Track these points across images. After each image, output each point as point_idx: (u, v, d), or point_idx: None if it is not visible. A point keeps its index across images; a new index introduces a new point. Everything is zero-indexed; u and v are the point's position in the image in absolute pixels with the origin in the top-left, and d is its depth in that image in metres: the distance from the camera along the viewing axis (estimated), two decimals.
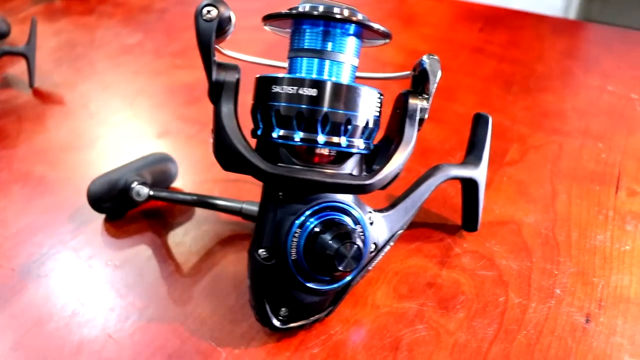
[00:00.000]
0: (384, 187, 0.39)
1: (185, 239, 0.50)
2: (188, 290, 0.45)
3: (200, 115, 0.69)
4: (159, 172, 0.54)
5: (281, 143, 0.36)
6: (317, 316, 0.41)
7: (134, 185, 0.49)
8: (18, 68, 0.78)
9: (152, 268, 0.47)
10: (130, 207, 0.53)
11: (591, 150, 0.62)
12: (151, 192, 0.49)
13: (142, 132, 0.66)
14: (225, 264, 0.48)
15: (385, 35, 0.38)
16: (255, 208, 0.48)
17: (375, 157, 0.42)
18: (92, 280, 0.46)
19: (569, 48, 0.86)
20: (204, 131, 0.65)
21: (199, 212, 0.53)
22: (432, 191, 0.46)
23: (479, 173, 0.48)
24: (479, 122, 0.49)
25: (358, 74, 0.41)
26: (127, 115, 0.70)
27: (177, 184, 0.57)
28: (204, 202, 0.50)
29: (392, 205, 0.44)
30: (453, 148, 0.62)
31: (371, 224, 0.41)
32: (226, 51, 0.40)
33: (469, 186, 0.49)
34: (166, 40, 0.88)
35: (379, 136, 0.41)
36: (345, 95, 0.36)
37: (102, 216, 0.53)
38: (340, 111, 0.35)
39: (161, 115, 0.70)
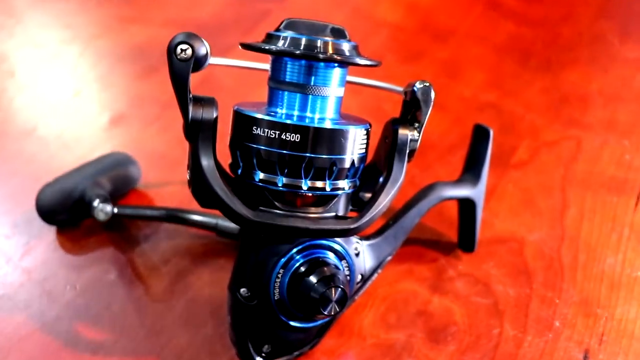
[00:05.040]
0: None
1: (153, 256, 0.63)
2: (161, 319, 0.57)
3: (159, 91, 0.80)
4: (118, 177, 0.66)
5: (263, 187, 0.48)
6: (300, 350, 0.54)
7: (96, 203, 0.60)
8: None
9: (118, 292, 0.59)
10: (86, 215, 0.63)
11: (613, 149, 0.75)
12: (115, 210, 0.61)
13: (89, 116, 0.77)
14: (200, 286, 0.60)
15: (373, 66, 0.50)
16: (231, 224, 0.61)
17: (362, 183, 0.54)
18: (51, 309, 0.58)
19: (606, 2, 0.97)
20: (165, 115, 0.77)
21: (167, 223, 0.65)
22: (425, 214, 0.58)
23: (477, 192, 0.60)
24: (479, 135, 0.61)
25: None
26: (67, 91, 0.80)
27: (138, 185, 0.69)
28: (174, 217, 0.62)
29: (380, 232, 0.56)
30: (454, 145, 0.74)
31: (357, 254, 0.53)
32: (212, 59, 0.50)
33: (466, 206, 0.61)
34: None
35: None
36: (329, 139, 0.47)
37: (53, 226, 0.64)
38: (324, 156, 0.46)
39: (111, 93, 0.80)
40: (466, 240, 0.63)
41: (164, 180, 0.70)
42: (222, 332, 0.56)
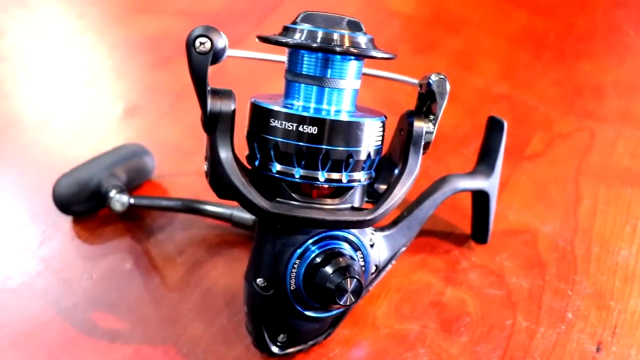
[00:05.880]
0: None
1: (169, 246, 0.64)
2: (177, 308, 0.59)
3: (172, 82, 0.81)
4: (133, 168, 0.68)
5: (280, 178, 0.50)
6: (315, 339, 0.56)
7: (113, 194, 0.62)
8: None
9: (134, 282, 0.61)
10: (102, 206, 0.66)
11: (628, 141, 0.76)
12: (132, 200, 0.63)
13: (103, 107, 0.79)
14: (215, 277, 0.62)
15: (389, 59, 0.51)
16: (246, 215, 0.63)
17: (378, 175, 0.56)
18: (68, 296, 0.60)
19: None
20: (178, 106, 0.78)
21: (182, 214, 0.67)
22: (439, 205, 0.60)
23: (491, 184, 0.62)
24: (493, 127, 0.63)
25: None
26: (81, 82, 0.82)
27: (153, 176, 0.71)
28: (190, 207, 0.64)
29: (395, 223, 0.58)
30: (467, 136, 0.75)
31: (372, 245, 0.55)
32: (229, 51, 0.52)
33: (480, 198, 0.63)
34: None
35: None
36: (345, 131, 0.48)
37: (70, 216, 0.66)
38: (341, 148, 0.48)
39: (124, 84, 0.82)
40: (479, 232, 0.65)
41: (178, 171, 0.71)
42: (237, 321, 0.58)
